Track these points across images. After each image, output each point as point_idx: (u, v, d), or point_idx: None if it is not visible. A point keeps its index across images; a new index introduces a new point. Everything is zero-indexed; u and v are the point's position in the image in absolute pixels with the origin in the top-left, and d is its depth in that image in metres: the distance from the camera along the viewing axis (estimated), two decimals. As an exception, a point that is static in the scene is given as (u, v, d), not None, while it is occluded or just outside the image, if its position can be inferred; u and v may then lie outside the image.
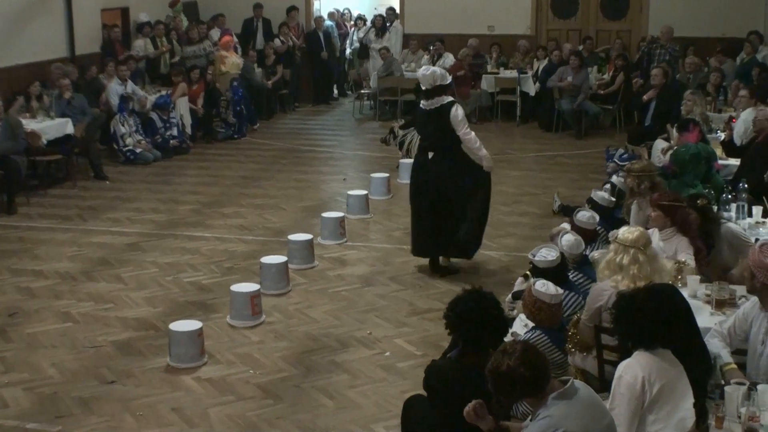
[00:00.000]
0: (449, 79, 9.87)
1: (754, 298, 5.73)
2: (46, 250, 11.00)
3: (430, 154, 9.83)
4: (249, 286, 8.91)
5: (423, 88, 9.76)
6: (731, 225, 7.97)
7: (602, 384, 6.05)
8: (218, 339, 8.41)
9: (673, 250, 7.36)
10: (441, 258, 10.14)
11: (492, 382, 4.65)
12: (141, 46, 18.00)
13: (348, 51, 22.26)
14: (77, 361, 8.01)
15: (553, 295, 6.09)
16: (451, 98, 9.85)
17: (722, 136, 11.98)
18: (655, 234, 7.50)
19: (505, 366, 4.57)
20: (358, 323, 8.77)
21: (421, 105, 9.94)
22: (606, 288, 6.32)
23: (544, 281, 6.25)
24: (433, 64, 18.58)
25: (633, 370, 4.89)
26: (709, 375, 5.43)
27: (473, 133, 9.81)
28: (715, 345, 5.75)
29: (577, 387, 4.64)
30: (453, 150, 9.75)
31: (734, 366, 5.57)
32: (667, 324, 4.98)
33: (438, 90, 9.65)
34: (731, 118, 12.61)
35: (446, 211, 9.81)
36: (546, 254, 6.99)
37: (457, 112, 9.60)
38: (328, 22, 21.64)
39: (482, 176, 9.80)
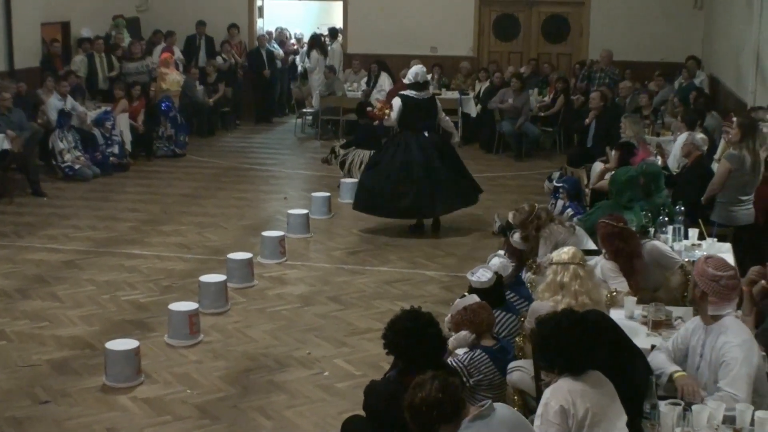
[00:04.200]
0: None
1: (697, 317, 5.81)
2: (-19, 267, 10.84)
3: (426, 133, 12.29)
4: (187, 305, 8.83)
5: (420, 81, 12.31)
6: (656, 242, 8.05)
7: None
8: (155, 358, 8.33)
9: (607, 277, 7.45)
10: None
11: (411, 418, 4.64)
12: (80, 61, 17.84)
13: (299, 68, 22.20)
14: (11, 380, 7.88)
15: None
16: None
17: (659, 159, 12.13)
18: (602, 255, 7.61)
19: (419, 397, 4.57)
20: (297, 343, 8.73)
21: (413, 95, 12.26)
22: (545, 307, 6.36)
23: (473, 296, 6.34)
24: (368, 85, 18.79)
25: (557, 396, 4.91)
26: (645, 392, 5.48)
27: None
28: (662, 359, 5.81)
29: (494, 408, 4.65)
30: (435, 128, 12.69)
31: (683, 372, 5.64)
32: (591, 349, 5.01)
33: (427, 84, 12.76)
34: (658, 144, 12.84)
35: (441, 174, 12.16)
36: (481, 275, 7.04)
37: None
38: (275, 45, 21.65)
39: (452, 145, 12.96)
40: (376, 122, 13.67)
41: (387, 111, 12.49)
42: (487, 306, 6.52)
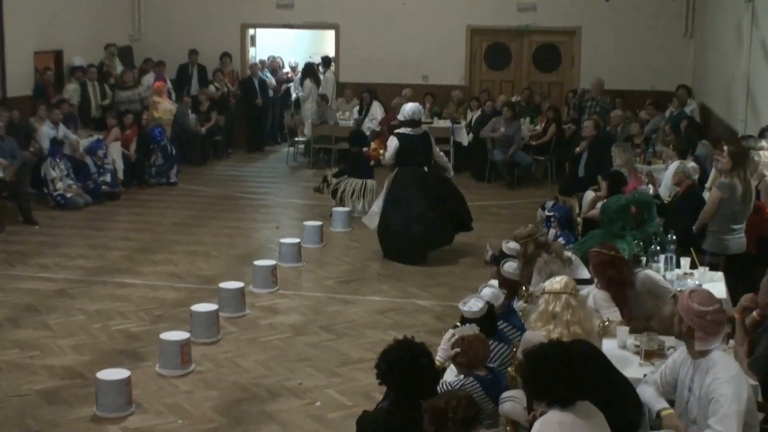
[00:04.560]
0: None
1: (683, 347, 5.79)
2: (-28, 296, 10.80)
3: (425, 168, 12.54)
4: (179, 335, 8.81)
5: (416, 119, 12.56)
6: (648, 272, 8.06)
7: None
8: (146, 388, 8.29)
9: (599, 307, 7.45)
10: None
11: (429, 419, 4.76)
12: (72, 90, 17.86)
13: (292, 96, 22.21)
14: (1, 410, 7.83)
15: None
16: None
17: (650, 188, 12.16)
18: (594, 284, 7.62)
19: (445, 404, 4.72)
20: (289, 373, 8.71)
21: (409, 133, 12.48)
22: (538, 337, 6.35)
23: (472, 325, 6.31)
24: (360, 114, 18.85)
25: (547, 429, 4.90)
26: (638, 423, 5.46)
27: None
28: (650, 393, 5.80)
29: None
30: (431, 162, 12.76)
31: (671, 410, 5.62)
32: (579, 381, 4.97)
33: (421, 120, 12.91)
34: (649, 173, 12.88)
35: (444, 206, 12.53)
36: (473, 305, 7.03)
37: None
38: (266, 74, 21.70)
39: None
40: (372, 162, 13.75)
41: (381, 152, 12.63)
42: (484, 339, 6.49)
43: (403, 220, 12.29)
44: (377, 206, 12.84)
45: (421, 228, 12.28)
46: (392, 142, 12.55)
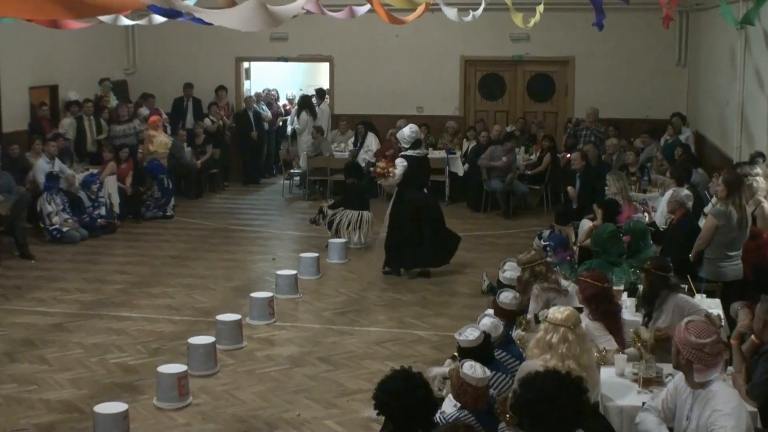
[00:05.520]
0: None
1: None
2: (-32, 331, 10.78)
3: (425, 189, 13.41)
4: (176, 367, 8.79)
5: (417, 138, 13.26)
6: (683, 295, 8.07)
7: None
8: (144, 421, 8.27)
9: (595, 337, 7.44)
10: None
11: None
12: (68, 124, 17.91)
13: (289, 129, 22.22)
14: (-2, 445, 7.83)
15: (480, 378, 6.11)
16: None
17: (645, 216, 12.19)
18: (587, 314, 7.59)
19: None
20: (287, 405, 8.69)
21: (414, 154, 13.15)
22: (535, 366, 6.33)
23: (472, 363, 6.26)
24: (355, 145, 18.89)
25: None
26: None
27: None
28: (651, 421, 5.77)
29: None
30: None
31: None
32: (576, 412, 4.92)
33: (421, 141, 13.69)
34: (644, 201, 12.91)
35: (439, 228, 13.26)
36: (469, 334, 7.02)
37: None
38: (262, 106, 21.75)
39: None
40: (380, 181, 13.78)
41: (392, 170, 12.74)
42: (485, 391, 6.41)
43: (415, 234, 13.02)
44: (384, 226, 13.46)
45: (424, 244, 13.05)
46: (401, 163, 13.02)
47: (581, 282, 7.78)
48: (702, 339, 5.47)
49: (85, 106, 18.21)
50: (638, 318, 8.12)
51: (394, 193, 13.34)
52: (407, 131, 13.26)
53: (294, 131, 21.21)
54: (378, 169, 13.17)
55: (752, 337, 6.61)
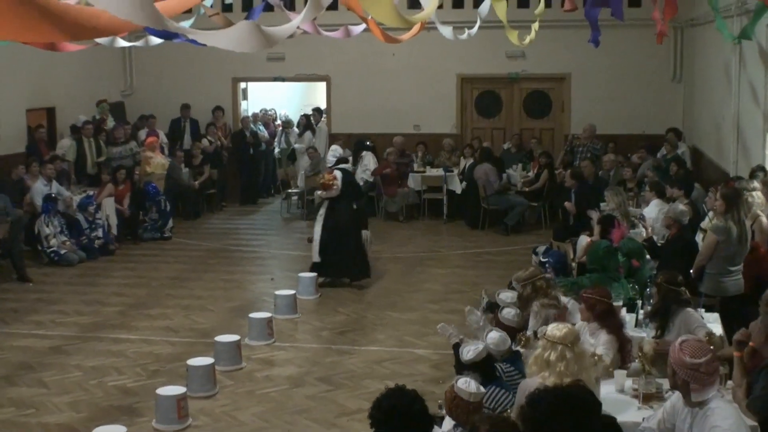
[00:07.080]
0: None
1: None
2: (-34, 355, 10.75)
3: (354, 205, 13.88)
4: (175, 389, 8.78)
5: (346, 156, 14.16)
6: (694, 313, 8.07)
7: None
8: (143, 444, 8.25)
9: (598, 345, 7.43)
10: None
11: None
12: (68, 146, 17.91)
13: (276, 151, 22.26)
14: (-3, 469, 7.80)
15: (472, 393, 6.09)
16: None
17: (643, 231, 12.19)
18: (585, 329, 7.57)
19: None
20: (286, 425, 8.66)
21: (348, 168, 14.25)
22: (535, 384, 6.31)
23: (468, 379, 6.24)
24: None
25: None
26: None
27: None
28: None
29: None
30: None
31: None
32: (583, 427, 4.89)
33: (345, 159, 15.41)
34: (642, 216, 12.93)
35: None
36: (470, 350, 7.00)
37: None
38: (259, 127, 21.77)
39: None
40: (320, 192, 14.17)
41: (335, 182, 13.05)
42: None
43: (341, 243, 13.49)
44: (317, 234, 13.76)
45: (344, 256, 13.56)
46: (338, 175, 13.74)
47: (588, 299, 7.75)
48: (697, 359, 5.44)
49: (85, 128, 18.21)
50: (638, 333, 8.11)
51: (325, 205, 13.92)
52: (334, 149, 14.94)
53: (293, 151, 21.21)
54: (324, 180, 13.56)
55: (751, 343, 6.59)
